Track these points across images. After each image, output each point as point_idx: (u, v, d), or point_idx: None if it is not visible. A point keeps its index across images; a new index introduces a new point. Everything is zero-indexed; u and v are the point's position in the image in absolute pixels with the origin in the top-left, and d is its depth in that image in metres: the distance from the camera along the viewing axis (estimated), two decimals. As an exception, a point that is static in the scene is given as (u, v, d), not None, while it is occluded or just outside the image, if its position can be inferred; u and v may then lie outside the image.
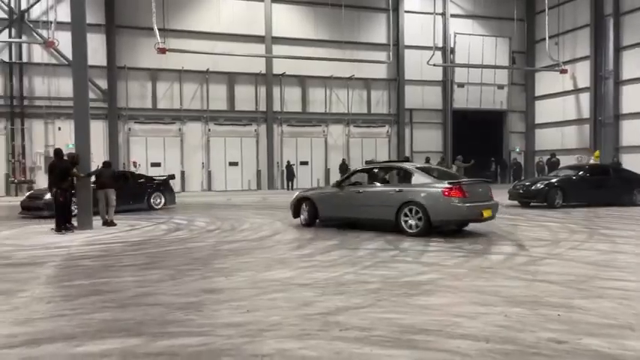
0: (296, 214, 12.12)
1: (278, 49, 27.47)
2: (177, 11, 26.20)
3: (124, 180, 16.01)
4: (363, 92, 29.99)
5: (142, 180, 17.07)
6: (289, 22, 28.20)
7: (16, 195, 23.96)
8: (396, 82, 30.16)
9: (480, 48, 31.43)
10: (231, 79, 27.56)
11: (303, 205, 11.88)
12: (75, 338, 4.47)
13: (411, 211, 10.08)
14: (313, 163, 29.05)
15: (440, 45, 30.30)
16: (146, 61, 25.69)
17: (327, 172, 28.98)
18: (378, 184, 11.32)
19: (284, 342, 4.36)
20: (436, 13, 29.27)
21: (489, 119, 31.91)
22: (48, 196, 12.93)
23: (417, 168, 10.91)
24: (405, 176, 11.07)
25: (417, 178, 10.42)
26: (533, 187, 16.28)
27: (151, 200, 16.43)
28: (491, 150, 31.60)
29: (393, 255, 8.30)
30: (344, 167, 27.95)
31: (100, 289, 6.21)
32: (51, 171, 11.69)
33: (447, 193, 9.73)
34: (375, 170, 12.15)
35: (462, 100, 31.65)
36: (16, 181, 24.03)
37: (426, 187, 10.11)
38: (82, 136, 12.24)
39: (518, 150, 32.46)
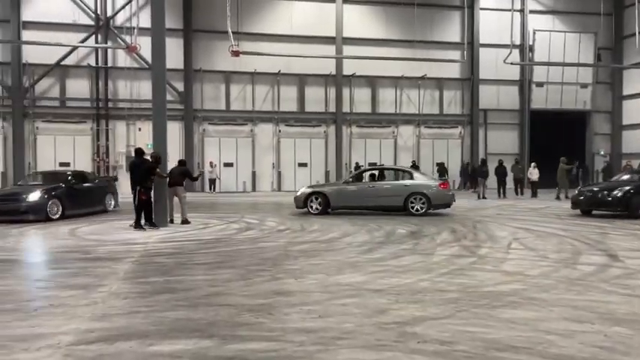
0: (303, 205, 14.83)
1: (348, 50, 27.28)
2: (251, 15, 26.65)
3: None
4: (435, 92, 29.19)
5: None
6: (360, 22, 27.92)
7: (100, 192, 25.25)
8: (470, 81, 29.11)
9: (562, 45, 29.69)
10: (302, 80, 27.68)
11: (313, 198, 14.79)
12: (148, 337, 4.45)
13: (416, 199, 14.48)
14: (383, 164, 28.58)
15: (517, 42, 28.92)
16: (220, 63, 26.30)
17: (397, 173, 28.46)
18: (387, 181, 16.30)
19: (359, 352, 4.11)
20: (514, 10, 27.94)
21: (570, 120, 30.04)
22: (32, 196, 13.16)
23: (414, 169, 18.15)
24: (406, 176, 15.65)
25: (417, 177, 15.30)
26: (612, 193, 13.82)
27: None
28: (572, 153, 29.72)
29: (472, 262, 7.84)
30: (413, 169, 27.20)
31: (174, 287, 6.24)
32: (132, 170, 12.08)
33: (441, 186, 15.08)
34: (375, 172, 16.76)
35: (541, 100, 30.02)
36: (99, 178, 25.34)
37: (426, 182, 15.04)
38: (160, 137, 12.59)
39: (602, 152, 30.35)
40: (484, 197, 21.23)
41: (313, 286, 6.30)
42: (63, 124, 25.23)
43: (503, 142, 29.65)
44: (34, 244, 10.11)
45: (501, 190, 22.07)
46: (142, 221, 11.78)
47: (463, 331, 4.61)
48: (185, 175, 13.50)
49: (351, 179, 16.01)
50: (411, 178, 15.14)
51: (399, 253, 8.63)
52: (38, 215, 13.03)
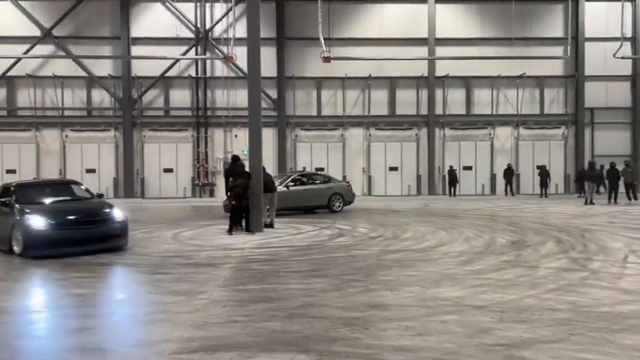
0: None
1: (441, 51, 26.53)
2: (342, 20, 26.75)
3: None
4: (535, 91, 27.55)
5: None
6: (453, 22, 27.05)
7: (200, 197, 26.56)
8: (574, 78, 27.14)
9: (681, 35, 26.86)
10: (393, 83, 27.31)
11: None
12: (247, 348, 4.49)
13: (336, 198, 17.67)
14: (477, 168, 27.44)
15: (628, 35, 26.56)
16: (312, 70, 26.64)
17: (493, 177, 27.16)
18: (314, 185, 18.08)
19: (461, 377, 3.87)
20: (624, 0, 25.65)
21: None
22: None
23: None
24: (325, 180, 18.57)
25: (333, 181, 18.77)
26: None
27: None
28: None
29: (583, 277, 7.20)
30: (509, 173, 25.95)
31: (270, 296, 6.30)
32: (226, 176, 12.51)
33: (348, 187, 18.74)
34: (304, 178, 18.43)
35: (657, 96, 27.34)
36: (200, 184, 26.64)
37: (340, 184, 18.93)
38: (256, 144, 12.90)
39: None
40: (592, 203, 19.68)
41: (409, 300, 6.08)
42: (167, 132, 26.82)
43: (612, 143, 27.33)
44: (142, 247, 10.69)
45: (612, 195, 20.33)
46: (235, 226, 12.15)
47: (579, 358, 4.19)
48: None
49: (291, 183, 17.47)
50: (330, 181, 18.48)
51: (500, 265, 8.15)
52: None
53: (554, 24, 27.29)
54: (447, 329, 4.98)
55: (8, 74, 25.67)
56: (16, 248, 9.10)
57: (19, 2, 25.68)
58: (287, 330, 5.01)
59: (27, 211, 9.18)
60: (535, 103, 27.60)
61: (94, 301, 6.27)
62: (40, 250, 8.80)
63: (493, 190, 27.13)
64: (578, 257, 8.70)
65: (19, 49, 25.21)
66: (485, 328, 4.98)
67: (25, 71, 25.67)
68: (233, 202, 12.04)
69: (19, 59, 25.23)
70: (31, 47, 25.52)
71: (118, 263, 8.83)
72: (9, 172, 25.70)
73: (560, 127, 27.57)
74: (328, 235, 12.11)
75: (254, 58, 12.97)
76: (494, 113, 27.33)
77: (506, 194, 25.58)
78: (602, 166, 22.55)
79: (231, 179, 12.22)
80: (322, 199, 17.54)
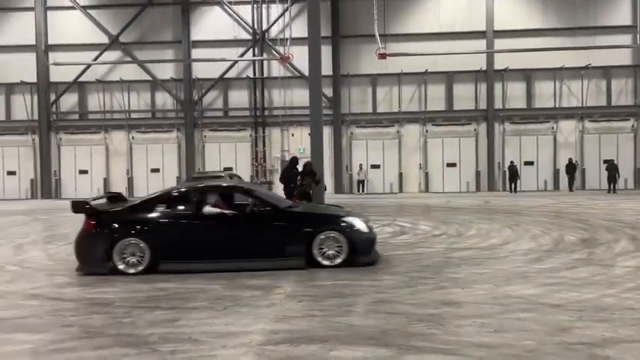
0: None
1: (500, 43, 25.90)
2: (397, 16, 26.61)
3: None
4: (602, 82, 26.41)
5: None
6: (513, 13, 26.33)
7: (258, 194, 27.14)
8: (644, 68, 25.88)
9: None
10: (450, 78, 26.92)
11: None
12: (328, 341, 4.68)
13: None
14: (539, 163, 26.63)
15: None
16: (367, 67, 26.66)
17: (556, 173, 26.28)
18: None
19: (545, 374, 3.90)
20: (700, -18, 24.21)
21: None
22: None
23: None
24: None
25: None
26: None
27: None
28: None
29: None
30: (571, 168, 25.04)
31: (342, 292, 6.48)
32: (285, 177, 12.82)
33: None
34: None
35: None
36: (258, 182, 27.26)
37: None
38: (317, 142, 13.15)
39: None
40: None
41: (482, 298, 6.10)
42: (226, 132, 27.60)
43: (687, 135, 25.88)
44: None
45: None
46: None
47: (667, 359, 4.13)
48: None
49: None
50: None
51: (572, 263, 7.99)
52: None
53: (620, 11, 26.08)
54: (525, 327, 4.99)
55: (80, 80, 27.14)
56: None
57: (88, 11, 27.07)
58: (364, 325, 5.18)
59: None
60: (601, 94, 26.47)
61: (178, 294, 6.65)
62: None
63: (556, 186, 26.27)
64: (656, 256, 8.40)
65: (89, 56, 26.63)
66: (565, 327, 4.95)
67: (95, 77, 27.06)
68: (298, 201, 12.27)
69: (89, 66, 26.63)
70: (100, 54, 26.88)
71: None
72: (82, 172, 27.26)
73: (629, 119, 26.32)
74: (390, 232, 12.18)
75: (314, 59, 13.22)
76: (556, 106, 26.43)
77: (570, 190, 24.75)
78: None
79: (299, 178, 12.43)
80: None
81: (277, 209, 8.18)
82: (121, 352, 4.59)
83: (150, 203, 8.29)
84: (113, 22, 27.21)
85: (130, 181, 27.19)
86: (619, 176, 24.22)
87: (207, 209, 8.17)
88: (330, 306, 5.87)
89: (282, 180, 13.39)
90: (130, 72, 27.14)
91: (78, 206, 8.01)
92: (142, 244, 7.78)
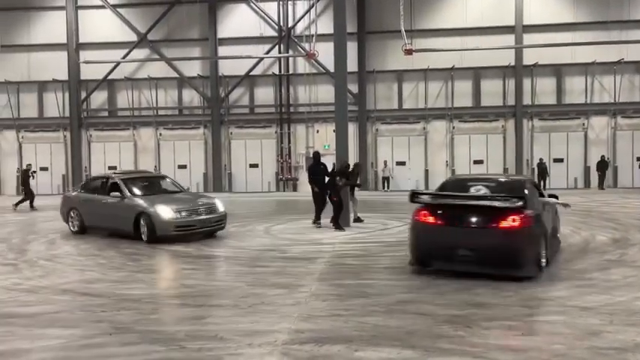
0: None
1: (529, 38, 25.37)
2: (424, 11, 26.31)
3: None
4: (635, 77, 25.64)
5: None
6: (543, 7, 25.76)
7: (284, 191, 27.29)
8: (681, 62, 25.03)
9: None
10: (477, 74, 26.52)
11: None
12: (352, 342, 4.68)
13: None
14: (569, 160, 26.06)
15: None
16: (393, 63, 26.47)
17: (587, 170, 25.68)
18: None
19: (575, 380, 3.82)
20: None
21: None
22: None
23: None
24: None
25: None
26: None
27: None
28: None
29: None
30: (603, 165, 24.43)
31: (366, 292, 6.46)
32: (315, 172, 12.80)
33: None
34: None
35: None
36: (283, 178, 27.38)
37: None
38: (342, 138, 13.12)
39: None
40: None
41: (509, 300, 6.01)
42: (252, 129, 27.78)
43: None
44: (239, 240, 11.23)
45: None
46: (321, 221, 12.45)
47: (703, 366, 4.00)
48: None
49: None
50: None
51: (603, 264, 7.81)
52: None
53: (656, 4, 25.26)
54: (554, 330, 4.90)
55: (109, 77, 27.64)
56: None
57: (118, 10, 27.52)
58: (389, 325, 5.16)
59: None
60: (635, 90, 25.72)
61: (203, 292, 6.73)
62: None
63: (587, 184, 25.67)
64: (691, 258, 8.14)
65: (118, 54, 27.05)
66: (595, 331, 4.85)
67: (124, 74, 27.52)
68: (335, 199, 12.19)
69: (118, 63, 27.08)
70: (129, 52, 27.29)
71: (219, 256, 9.37)
72: (111, 168, 27.73)
73: (664, 115, 25.53)
74: (416, 230, 12.07)
75: (340, 56, 13.17)
76: (588, 102, 25.79)
77: (600, 188, 24.19)
78: None
79: (338, 179, 12.26)
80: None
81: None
82: (149, 349, 4.67)
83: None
84: (141, 20, 27.60)
85: (158, 177, 27.61)
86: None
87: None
88: (355, 305, 5.87)
89: (311, 180, 13.04)
90: (158, 69, 27.51)
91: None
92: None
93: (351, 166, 13.18)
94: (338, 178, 12.22)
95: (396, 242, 10.39)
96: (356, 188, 13.54)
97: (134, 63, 27.61)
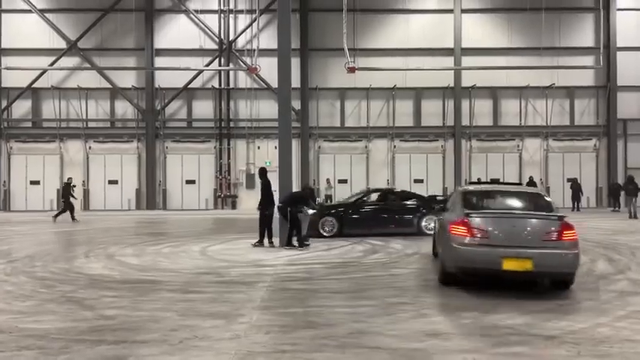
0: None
1: (468, 61, 26.04)
2: (367, 30, 26.43)
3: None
4: (565, 102, 26.83)
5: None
6: (480, 31, 26.55)
7: (222, 208, 26.26)
8: (606, 88, 26.39)
9: None
10: (418, 94, 26.86)
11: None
12: (301, 385, 4.00)
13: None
14: (506, 180, 26.72)
15: (662, 44, 25.83)
16: (335, 80, 26.34)
17: (522, 190, 26.40)
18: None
19: None
20: (658, 8, 24.93)
21: None
22: None
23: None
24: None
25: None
26: None
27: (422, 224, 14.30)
28: None
29: (652, 302, 6.59)
30: (532, 185, 25.12)
31: (315, 321, 5.81)
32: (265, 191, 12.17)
33: None
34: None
35: (693, 106, 26.48)
36: (222, 195, 26.37)
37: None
38: (285, 156, 12.52)
39: None
40: (635, 217, 19.09)
41: (468, 328, 5.55)
42: (189, 144, 26.68)
43: (646, 155, 26.49)
44: (171, 263, 10.30)
45: (650, 210, 19.54)
46: (278, 241, 12.01)
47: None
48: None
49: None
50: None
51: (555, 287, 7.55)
52: None
53: (584, 33, 26.66)
54: (522, 365, 4.44)
55: (34, 86, 25.81)
56: None
57: (45, 15, 25.83)
58: (342, 362, 4.53)
59: None
60: (565, 114, 26.89)
61: (124, 324, 5.84)
62: None
63: (522, 204, 26.33)
64: (638, 279, 8.07)
65: (44, 61, 25.34)
66: (565, 364, 4.43)
67: (51, 83, 25.80)
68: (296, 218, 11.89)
69: (44, 71, 25.32)
70: (57, 59, 25.65)
71: (147, 281, 8.43)
72: (33, 183, 25.77)
73: (591, 139, 26.78)
74: (361, 250, 11.60)
75: (284, 71, 12.67)
76: (522, 124, 26.69)
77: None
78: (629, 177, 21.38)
79: (305, 208, 12.07)
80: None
81: None
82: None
83: None
84: (72, 27, 26.09)
85: (86, 192, 25.85)
86: (582, 194, 24.48)
87: None
88: (302, 339, 5.19)
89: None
90: (89, 79, 26.01)
91: None
92: None
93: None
94: (305, 207, 12.02)
95: (342, 263, 9.85)
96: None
97: (62, 72, 25.98)
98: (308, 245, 11.93)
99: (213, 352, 4.79)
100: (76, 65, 26.00)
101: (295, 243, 11.85)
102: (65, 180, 22.36)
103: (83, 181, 25.97)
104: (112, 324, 5.78)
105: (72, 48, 25.86)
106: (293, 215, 11.90)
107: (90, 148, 26.29)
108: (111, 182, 26.10)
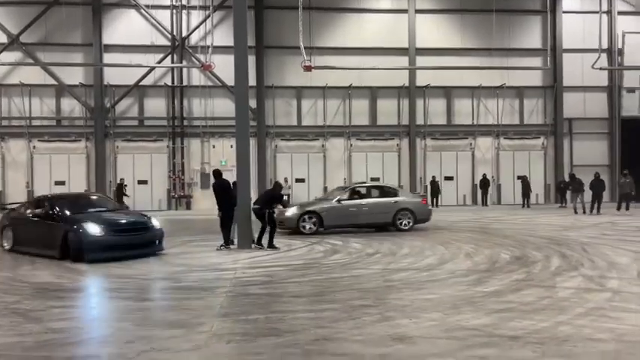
0: (295, 225, 14.44)
1: (422, 61, 26.37)
2: (322, 29, 26.32)
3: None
4: (515, 101, 27.62)
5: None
6: (434, 32, 26.92)
7: (176, 209, 25.59)
8: (553, 89, 27.33)
9: (655, 47, 27.43)
10: (374, 93, 26.99)
11: (306, 217, 14.51)
12: (268, 399, 3.82)
13: (404, 214, 14.99)
14: (459, 178, 27.29)
15: (605, 46, 26.90)
16: (292, 79, 26.12)
17: (474, 188, 27.02)
18: (376, 198, 15.55)
19: None
20: (601, 12, 25.92)
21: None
22: None
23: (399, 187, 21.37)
24: (391, 193, 15.69)
25: (402, 194, 15.90)
26: None
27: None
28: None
29: (607, 299, 6.75)
30: (485, 183, 25.87)
31: (277, 328, 5.62)
32: (216, 191, 11.88)
33: (423, 202, 16.09)
34: (361, 190, 15.82)
35: (633, 106, 27.79)
36: (176, 196, 25.68)
37: (411, 199, 15.77)
38: (243, 154, 12.24)
39: None
40: (584, 212, 20.03)
41: (434, 330, 5.50)
42: (141, 143, 25.84)
43: (591, 152, 27.62)
44: (123, 268, 9.86)
45: (595, 206, 20.32)
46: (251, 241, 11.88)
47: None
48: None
49: (345, 198, 15.09)
50: (396, 195, 15.52)
51: (514, 285, 7.65)
52: None
53: (532, 35, 27.50)
54: (490, 367, 4.41)
55: (-29, 82, 24.35)
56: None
57: (-16, 7, 24.43)
58: (308, 372, 4.37)
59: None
60: (515, 113, 27.68)
61: (76, 337, 5.48)
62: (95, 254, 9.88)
63: (474, 201, 27.02)
64: (592, 275, 8.29)
65: (-17, 56, 23.94)
66: (532, 366, 4.43)
67: (-10, 79, 24.40)
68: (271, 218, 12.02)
69: (-17, 66, 23.95)
70: (-3, 54, 24.27)
71: (97, 287, 8.01)
72: (-30, 185, 24.35)
73: (539, 137, 27.68)
74: (321, 251, 11.48)
75: (241, 69, 12.37)
76: (475, 123, 27.27)
77: (484, 204, 25.53)
78: (572, 176, 22.22)
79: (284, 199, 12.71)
80: (384, 215, 14.92)
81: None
82: None
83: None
84: (13, 20, 24.78)
85: (31, 194, 24.57)
86: (531, 191, 25.26)
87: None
88: (265, 347, 5.00)
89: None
90: (33, 75, 24.75)
91: None
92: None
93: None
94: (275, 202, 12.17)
95: (303, 265, 9.70)
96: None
97: (3, 67, 24.57)
98: (278, 248, 11.67)
99: (172, 366, 4.54)
100: (18, 60, 24.69)
101: (263, 243, 11.65)
102: (117, 181, 23.94)
103: (27, 183, 24.72)
104: (61, 338, 5.40)
105: (13, 42, 24.55)
106: (270, 215, 11.84)
107: (34, 147, 25.04)
108: (57, 183, 24.93)
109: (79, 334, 5.54)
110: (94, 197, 13.79)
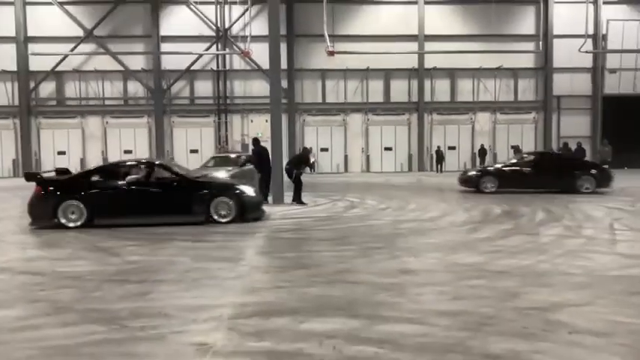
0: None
1: (430, 46, 25.68)
2: (344, 19, 25.80)
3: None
4: (510, 81, 26.79)
5: None
6: (440, 20, 26.11)
7: (222, 173, 25.98)
8: (544, 70, 26.38)
9: (636, 33, 26.07)
10: (387, 74, 26.51)
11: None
12: (298, 313, 4.03)
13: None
14: (460, 148, 26.88)
15: (591, 32, 25.72)
16: (317, 63, 25.83)
17: (474, 156, 26.62)
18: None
19: (510, 341, 3.41)
20: (588, 2, 24.67)
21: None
22: None
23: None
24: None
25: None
26: None
27: None
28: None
29: (582, 243, 6.75)
30: (482, 152, 25.46)
31: (306, 263, 5.83)
32: (255, 155, 12.05)
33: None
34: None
35: (614, 85, 26.66)
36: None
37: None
38: (276, 128, 12.32)
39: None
40: None
41: (434, 266, 5.62)
42: (192, 118, 26.11)
43: (576, 126, 26.76)
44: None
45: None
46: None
47: (614, 321, 3.75)
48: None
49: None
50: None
51: (503, 233, 7.68)
52: None
53: (527, 23, 26.41)
54: (479, 294, 4.53)
55: (57, 69, 24.82)
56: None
57: (65, 6, 24.67)
58: (331, 295, 4.56)
59: None
60: (510, 91, 26.89)
61: (147, 267, 5.79)
62: None
63: (474, 166, 26.59)
64: (570, 225, 8.25)
65: (66, 48, 24.37)
66: (514, 293, 4.53)
67: (72, 66, 24.84)
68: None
69: (66, 56, 24.38)
70: (76, 46, 24.64)
71: (161, 233, 8.34)
72: (60, 153, 25.19)
73: (531, 113, 26.92)
74: (342, 206, 11.61)
75: (274, 55, 12.31)
76: (475, 100, 26.64)
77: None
78: (565, 144, 21.81)
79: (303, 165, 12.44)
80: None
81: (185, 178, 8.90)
82: (89, 330, 3.75)
83: (85, 175, 8.99)
84: (88, 17, 24.93)
85: (106, 161, 25.25)
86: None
87: (129, 177, 8.71)
88: (296, 277, 5.22)
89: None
90: (104, 63, 25.03)
91: (29, 176, 8.65)
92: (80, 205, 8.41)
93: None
94: (302, 164, 12.16)
95: (326, 217, 9.86)
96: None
97: (81, 56, 24.94)
98: (306, 203, 11.78)
99: (221, 289, 4.78)
100: (93, 51, 24.99)
101: (304, 200, 11.84)
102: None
103: (102, 151, 25.40)
104: (135, 268, 5.72)
105: (89, 36, 24.81)
106: (297, 175, 11.89)
107: (107, 123, 25.58)
108: (126, 152, 25.48)
109: (148, 266, 5.83)
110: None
